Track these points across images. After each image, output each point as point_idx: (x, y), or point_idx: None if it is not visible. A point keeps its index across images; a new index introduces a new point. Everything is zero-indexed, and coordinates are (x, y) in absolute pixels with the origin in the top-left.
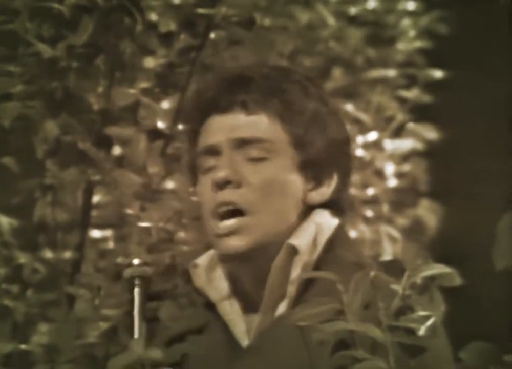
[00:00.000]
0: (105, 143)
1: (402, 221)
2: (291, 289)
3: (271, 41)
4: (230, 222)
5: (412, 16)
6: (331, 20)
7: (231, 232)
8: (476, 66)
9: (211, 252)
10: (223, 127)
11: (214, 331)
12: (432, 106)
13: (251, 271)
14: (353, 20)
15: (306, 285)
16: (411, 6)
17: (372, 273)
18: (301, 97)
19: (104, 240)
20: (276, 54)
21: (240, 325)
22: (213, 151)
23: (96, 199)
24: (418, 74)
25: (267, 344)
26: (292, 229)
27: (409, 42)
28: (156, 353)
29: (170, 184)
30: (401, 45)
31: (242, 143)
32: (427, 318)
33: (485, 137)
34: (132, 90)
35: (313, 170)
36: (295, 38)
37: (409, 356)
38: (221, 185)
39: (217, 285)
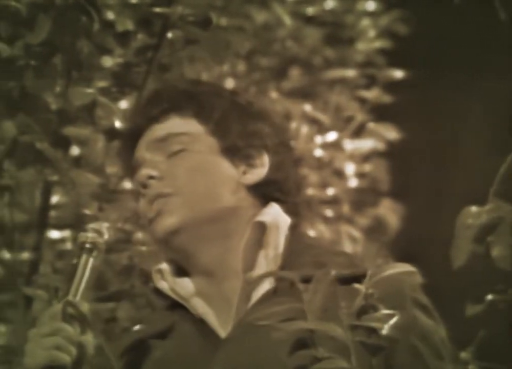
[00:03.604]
0: (63, 143)
1: (362, 220)
2: (271, 267)
3: (228, 41)
4: (157, 205)
5: (371, 16)
6: (288, 20)
7: (159, 213)
8: (436, 66)
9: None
10: (143, 142)
11: (183, 330)
12: (392, 106)
13: (190, 255)
14: (310, 20)
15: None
16: (370, 6)
17: (333, 272)
18: (211, 97)
19: (61, 240)
20: (232, 54)
21: (214, 317)
22: (140, 164)
23: (53, 199)
24: (378, 74)
25: (245, 333)
26: (233, 211)
27: (368, 42)
28: (82, 306)
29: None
30: (361, 45)
31: (159, 143)
32: (390, 316)
33: (445, 136)
34: (89, 90)
35: (237, 154)
36: (251, 38)
37: (371, 355)
38: (145, 182)
39: (184, 284)
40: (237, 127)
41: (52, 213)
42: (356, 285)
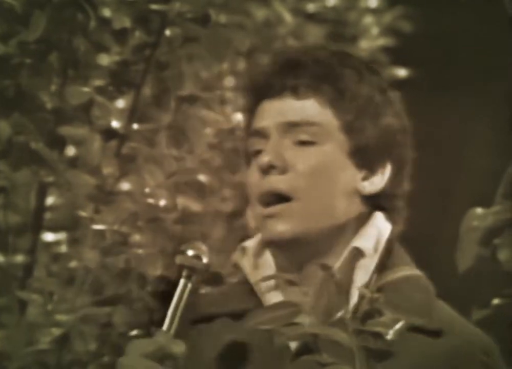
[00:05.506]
0: (58, 143)
1: None
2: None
3: (227, 39)
4: (275, 208)
5: (374, 13)
6: (288, 17)
7: (276, 216)
8: (440, 64)
9: (259, 236)
10: (272, 111)
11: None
12: None
13: (294, 263)
14: (312, 17)
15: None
16: (373, 3)
17: (337, 275)
18: (354, 83)
19: (57, 243)
20: (233, 51)
21: None
22: (262, 135)
23: (48, 201)
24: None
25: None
26: (343, 224)
27: (371, 40)
28: (179, 347)
29: (125, 186)
30: (364, 43)
31: (290, 127)
32: (395, 321)
33: (449, 136)
34: (85, 89)
35: (364, 157)
36: (252, 35)
37: (376, 361)
38: (265, 169)
39: (264, 273)
40: (372, 124)
41: (48, 215)
42: (361, 289)
